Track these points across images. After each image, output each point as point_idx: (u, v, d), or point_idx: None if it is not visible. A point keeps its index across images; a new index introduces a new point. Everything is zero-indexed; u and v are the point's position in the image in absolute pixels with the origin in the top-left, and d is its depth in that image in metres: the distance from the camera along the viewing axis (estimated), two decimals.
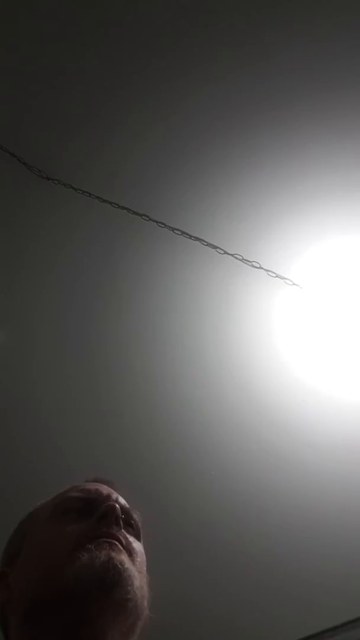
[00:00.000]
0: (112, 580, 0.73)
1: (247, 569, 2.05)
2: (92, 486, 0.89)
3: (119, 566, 0.74)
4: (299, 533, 2.01)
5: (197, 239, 1.81)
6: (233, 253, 1.82)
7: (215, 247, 1.82)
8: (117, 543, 0.78)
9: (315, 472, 1.94)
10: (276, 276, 1.84)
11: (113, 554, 0.76)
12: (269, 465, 1.96)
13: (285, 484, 1.97)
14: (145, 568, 0.83)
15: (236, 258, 1.83)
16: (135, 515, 0.87)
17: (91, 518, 0.81)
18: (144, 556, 0.84)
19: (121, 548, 0.78)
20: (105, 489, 0.88)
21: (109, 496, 0.86)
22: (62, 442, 1.91)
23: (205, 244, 1.82)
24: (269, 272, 1.84)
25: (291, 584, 2.05)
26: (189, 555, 1.99)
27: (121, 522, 0.81)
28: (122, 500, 0.87)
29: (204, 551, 2.01)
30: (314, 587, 2.04)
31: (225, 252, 1.82)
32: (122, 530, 0.81)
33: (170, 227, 1.80)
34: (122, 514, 0.82)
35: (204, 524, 1.98)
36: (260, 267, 1.83)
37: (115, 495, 0.87)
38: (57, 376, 1.93)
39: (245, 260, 1.82)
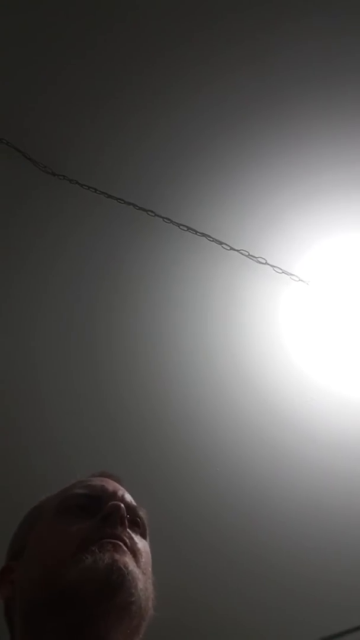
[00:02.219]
0: (115, 583, 0.72)
1: (250, 566, 2.05)
2: (98, 482, 0.87)
3: (123, 569, 0.73)
4: (303, 529, 2.01)
5: (203, 234, 1.81)
6: (239, 249, 1.81)
7: (221, 242, 1.81)
8: (121, 544, 0.77)
9: (321, 469, 1.93)
10: (282, 272, 1.84)
11: (117, 556, 0.75)
12: (274, 462, 1.95)
13: (290, 480, 1.96)
14: (150, 568, 0.81)
15: (242, 254, 1.82)
16: (141, 513, 0.85)
17: (96, 517, 0.80)
18: (150, 555, 0.83)
19: (125, 549, 0.77)
20: (111, 485, 0.86)
21: (114, 493, 0.84)
22: (65, 439, 1.91)
23: (211, 239, 1.81)
24: (275, 268, 1.83)
25: (293, 580, 2.04)
26: (192, 552, 1.98)
27: (126, 522, 0.80)
28: (128, 497, 0.85)
29: (208, 547, 2.01)
30: (319, 585, 2.03)
31: (231, 248, 1.81)
32: (127, 529, 0.80)
33: (176, 222, 1.79)
34: (127, 513, 0.81)
35: (208, 520, 1.98)
36: (267, 263, 1.82)
37: (121, 492, 0.85)
38: (60, 372, 1.92)
39: (251, 256, 1.82)
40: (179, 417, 1.93)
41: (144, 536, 0.84)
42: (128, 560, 0.76)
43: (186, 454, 1.95)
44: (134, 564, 0.77)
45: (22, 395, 1.91)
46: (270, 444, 1.94)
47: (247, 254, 1.82)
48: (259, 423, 1.92)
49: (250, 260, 1.82)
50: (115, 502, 0.81)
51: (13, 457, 1.90)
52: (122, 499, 0.83)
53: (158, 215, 1.79)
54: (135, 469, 1.84)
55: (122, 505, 0.81)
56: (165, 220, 1.79)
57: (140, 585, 0.76)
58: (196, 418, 1.92)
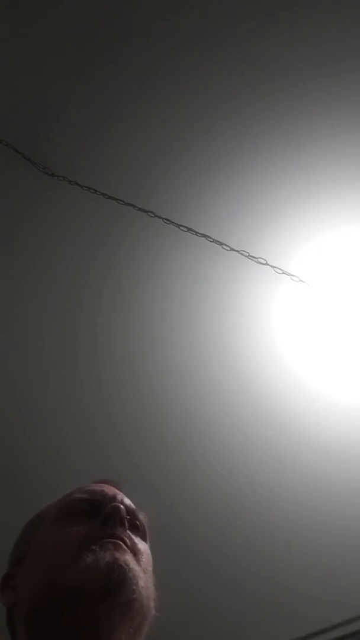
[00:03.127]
0: (116, 581, 0.73)
1: (250, 566, 2.04)
2: (98, 487, 0.88)
3: (124, 566, 0.74)
4: (301, 529, 2.00)
5: (203, 235, 1.80)
6: (239, 250, 1.81)
7: (221, 243, 1.81)
8: (121, 543, 0.77)
9: (316, 473, 1.92)
10: (282, 273, 1.83)
11: (117, 555, 0.75)
12: (268, 465, 1.94)
13: (285, 485, 1.95)
14: (151, 568, 0.82)
15: (242, 255, 1.82)
16: (141, 516, 0.86)
17: (96, 519, 0.80)
18: (150, 557, 0.83)
19: (126, 548, 0.78)
20: (110, 490, 0.87)
21: (114, 497, 0.85)
22: (51, 444, 1.89)
23: (211, 240, 1.81)
24: (275, 269, 1.83)
25: (291, 578, 2.04)
26: (188, 555, 1.97)
27: (126, 523, 0.81)
28: (127, 501, 0.86)
29: (203, 548, 2.00)
30: (313, 584, 2.02)
31: (232, 249, 1.81)
32: (127, 531, 0.81)
33: (176, 223, 1.79)
34: (127, 515, 0.82)
35: (201, 521, 1.97)
36: (267, 264, 1.82)
37: (120, 496, 0.86)
38: (61, 371, 1.92)
39: (251, 256, 1.82)
40: (173, 419, 1.92)
41: (144, 539, 0.85)
42: (129, 558, 0.77)
43: (178, 455, 1.94)
44: (135, 562, 0.78)
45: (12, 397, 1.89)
46: (266, 447, 1.93)
47: (247, 254, 1.82)
48: (259, 426, 1.91)
49: (251, 260, 1.82)
50: (115, 503, 0.82)
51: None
52: (122, 502, 0.84)
53: (158, 216, 1.78)
54: (124, 471, 1.82)
55: (122, 507, 0.81)
56: (165, 221, 1.79)
57: (142, 583, 0.76)
58: (195, 421, 1.91)
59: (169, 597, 0.84)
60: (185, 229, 1.80)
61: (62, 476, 1.74)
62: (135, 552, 0.79)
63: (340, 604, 1.94)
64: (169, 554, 0.95)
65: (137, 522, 0.85)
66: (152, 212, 1.78)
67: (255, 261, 1.82)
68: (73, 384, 1.90)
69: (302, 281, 1.84)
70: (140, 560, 0.79)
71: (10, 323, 1.87)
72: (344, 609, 1.96)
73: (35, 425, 1.87)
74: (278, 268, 1.83)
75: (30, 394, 1.89)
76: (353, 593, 1.93)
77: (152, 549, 0.87)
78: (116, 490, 0.88)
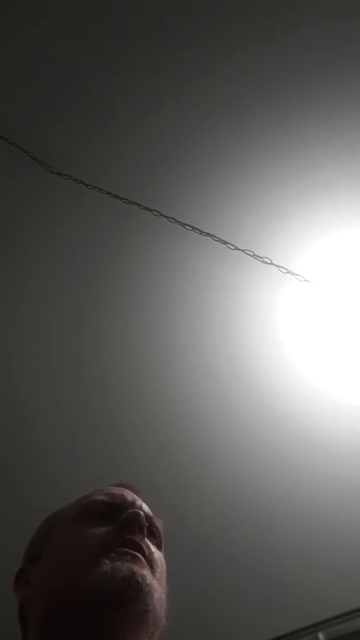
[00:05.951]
0: (132, 595, 0.72)
1: (251, 564, 2.05)
2: (117, 491, 0.87)
3: (140, 581, 0.74)
4: (304, 530, 2.01)
5: (207, 234, 1.80)
6: (244, 249, 1.81)
7: (226, 242, 1.80)
8: (140, 556, 0.77)
9: (318, 474, 1.92)
10: (287, 272, 1.83)
11: (135, 568, 0.75)
12: (270, 465, 1.94)
13: (285, 484, 1.95)
14: (165, 578, 0.82)
15: (247, 254, 1.81)
16: (158, 524, 0.86)
17: (114, 523, 0.80)
18: (164, 566, 0.83)
19: (144, 562, 0.77)
20: (130, 495, 0.87)
21: (133, 502, 0.85)
22: (53, 444, 1.89)
23: (216, 239, 1.80)
24: (280, 268, 1.82)
25: (294, 577, 2.05)
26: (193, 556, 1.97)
27: (145, 530, 0.80)
28: (146, 508, 0.86)
29: (208, 549, 2.00)
30: (314, 582, 2.03)
31: (236, 248, 1.80)
32: (146, 538, 0.80)
33: (180, 222, 1.78)
34: (145, 522, 0.81)
35: (205, 522, 1.97)
36: (272, 263, 1.81)
37: (139, 502, 0.86)
38: (66, 369, 1.92)
39: (256, 256, 1.81)
40: (176, 419, 1.92)
41: (159, 547, 0.84)
42: (146, 573, 0.76)
43: (182, 455, 1.94)
44: (151, 575, 0.77)
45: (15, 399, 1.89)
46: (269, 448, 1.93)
47: (252, 253, 1.81)
48: (263, 427, 1.91)
49: (256, 260, 1.81)
50: (135, 509, 0.81)
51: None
52: (141, 508, 0.84)
53: (163, 215, 1.78)
54: (125, 470, 1.83)
55: (142, 513, 0.81)
56: (170, 220, 1.78)
57: (157, 595, 0.76)
58: (198, 420, 1.92)
59: (171, 599, 0.83)
60: (190, 228, 1.79)
61: (64, 477, 1.76)
62: (151, 563, 0.79)
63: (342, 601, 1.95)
64: (170, 553, 0.94)
65: (155, 530, 0.84)
66: (157, 211, 1.77)
67: (260, 260, 1.81)
68: (77, 382, 1.90)
69: (306, 281, 1.84)
70: (156, 572, 0.79)
71: (15, 321, 1.86)
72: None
73: (38, 426, 1.87)
74: (283, 267, 1.83)
75: (33, 392, 1.89)
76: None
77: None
78: (135, 496, 0.87)
